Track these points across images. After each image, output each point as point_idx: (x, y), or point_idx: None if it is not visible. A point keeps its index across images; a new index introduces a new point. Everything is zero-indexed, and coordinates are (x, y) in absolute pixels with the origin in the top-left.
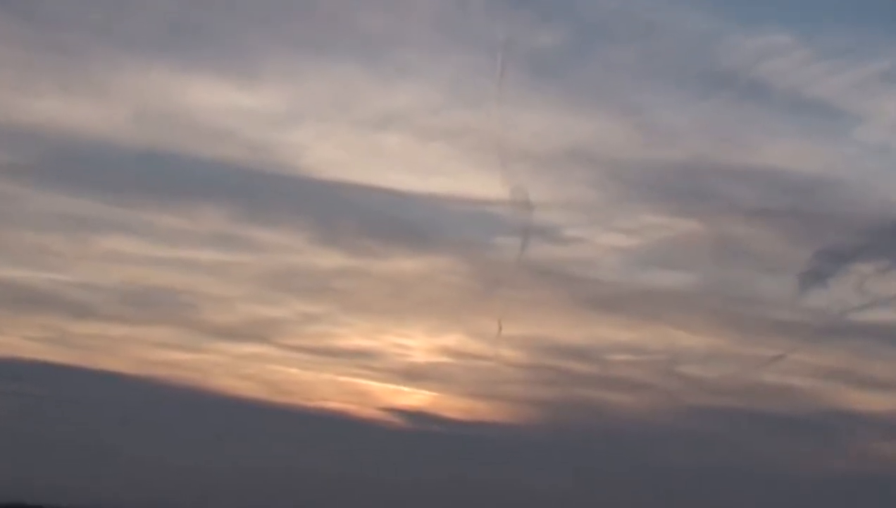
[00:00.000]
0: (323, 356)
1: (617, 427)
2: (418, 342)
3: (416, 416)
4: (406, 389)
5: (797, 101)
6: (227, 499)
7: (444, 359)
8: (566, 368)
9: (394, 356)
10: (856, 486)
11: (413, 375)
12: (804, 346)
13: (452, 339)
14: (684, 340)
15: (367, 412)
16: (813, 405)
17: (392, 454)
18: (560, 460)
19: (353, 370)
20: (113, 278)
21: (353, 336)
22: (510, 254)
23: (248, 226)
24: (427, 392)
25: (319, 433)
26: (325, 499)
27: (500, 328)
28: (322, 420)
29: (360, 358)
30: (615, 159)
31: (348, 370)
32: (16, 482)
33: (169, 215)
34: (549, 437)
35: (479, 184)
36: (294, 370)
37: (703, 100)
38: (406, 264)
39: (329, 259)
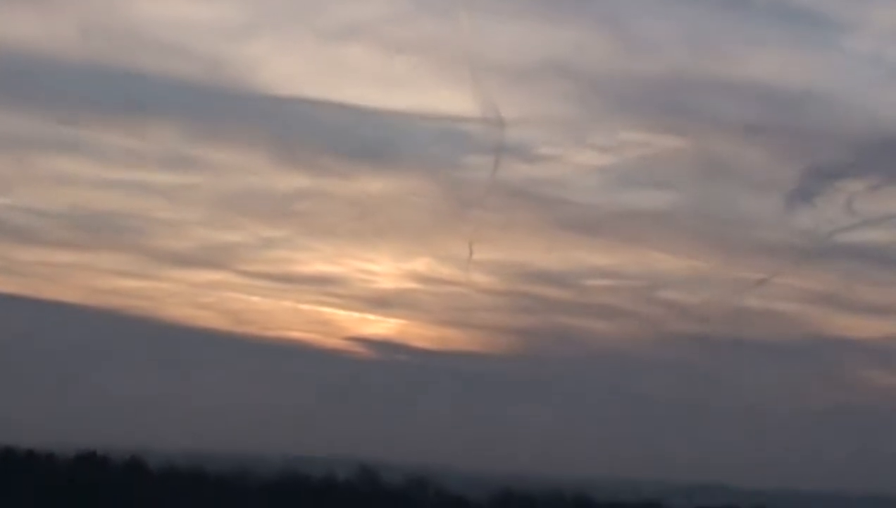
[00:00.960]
0: (284, 283)
1: (594, 356)
2: (385, 268)
3: (383, 345)
4: (372, 317)
5: (783, 9)
6: (184, 433)
7: (412, 285)
8: (541, 294)
9: (359, 283)
10: (846, 417)
11: (379, 302)
12: (791, 269)
13: (421, 264)
14: (664, 263)
15: (331, 341)
16: (800, 331)
17: (357, 385)
18: (535, 390)
19: (315, 298)
20: (59, 202)
21: (316, 262)
22: (481, 174)
23: (203, 146)
24: (394, 321)
25: (281, 364)
26: (286, 432)
27: (472, 253)
28: (283, 351)
29: (324, 285)
30: (592, 73)
31: (311, 297)
32: None
33: (118, 135)
34: (524, 366)
35: (449, 99)
36: (254, 299)
37: (685, 8)
38: (371, 184)
39: (289, 180)
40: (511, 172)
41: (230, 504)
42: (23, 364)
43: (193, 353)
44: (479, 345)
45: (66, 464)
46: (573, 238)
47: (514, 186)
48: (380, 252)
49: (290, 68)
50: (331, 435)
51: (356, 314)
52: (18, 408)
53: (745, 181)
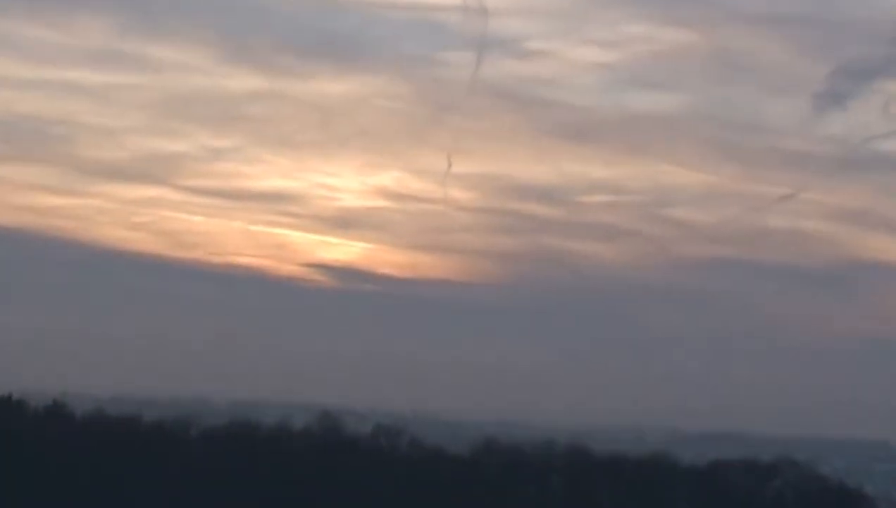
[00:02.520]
0: (232, 201)
1: (590, 284)
2: (348, 182)
3: (346, 272)
4: (334, 240)
5: None
6: (114, 376)
7: (380, 203)
8: (529, 212)
9: (318, 200)
10: (879, 348)
11: (342, 222)
12: (818, 182)
13: (390, 178)
14: (673, 176)
15: (287, 268)
16: (828, 253)
17: (316, 318)
18: (521, 324)
19: (268, 218)
20: None
21: (270, 176)
22: (461, 73)
23: (139, 40)
24: (359, 244)
25: (228, 295)
26: (234, 374)
27: (450, 165)
28: (231, 279)
29: (278, 202)
30: None
31: (263, 217)
32: None
33: (39, 27)
34: (508, 296)
35: None
36: (197, 218)
37: None
38: (333, 86)
39: (239, 81)
40: (496, 71)
41: (167, 455)
42: None
43: (126, 281)
44: (457, 272)
45: None
46: (567, 147)
47: (499, 86)
48: (343, 165)
49: None
50: (286, 377)
51: (315, 237)
52: None
53: (765, 81)
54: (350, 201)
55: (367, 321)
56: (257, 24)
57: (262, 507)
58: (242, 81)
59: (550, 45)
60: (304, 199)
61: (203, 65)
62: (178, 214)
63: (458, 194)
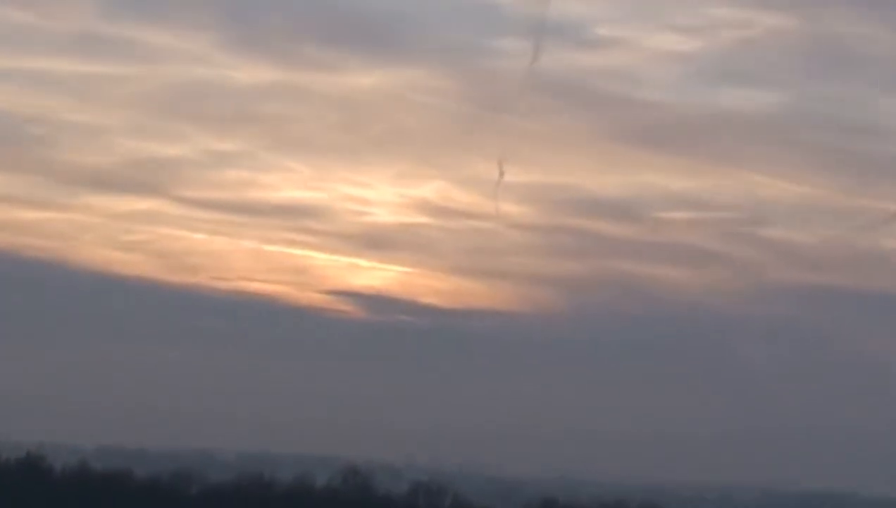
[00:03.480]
0: (242, 215)
1: (670, 316)
2: (381, 194)
3: (379, 301)
4: (364, 262)
5: None
6: (102, 426)
7: (419, 218)
8: (596, 230)
9: (346, 215)
10: None
11: (374, 241)
12: None
13: (431, 189)
14: (768, 189)
15: (308, 295)
16: None
17: (343, 354)
18: (586, 363)
19: (285, 236)
20: None
21: (287, 185)
22: (516, 64)
23: (129, 23)
24: (394, 267)
25: (237, 326)
26: (245, 423)
27: (501, 174)
28: (241, 308)
29: (297, 217)
30: None
31: (279, 234)
32: None
33: (9, 7)
34: (571, 330)
35: None
36: (200, 236)
37: None
38: (363, 79)
39: (250, 72)
40: (557, 62)
41: None
42: None
43: (115, 310)
44: (510, 301)
45: None
46: (641, 153)
47: (560, 80)
48: (376, 173)
49: None
50: (305, 426)
51: (341, 259)
52: None
53: (879, 76)
54: (383, 216)
55: (402, 358)
56: (270, 4)
57: None
58: (253, 73)
59: (622, 31)
60: (328, 213)
61: (206, 53)
62: (177, 230)
63: (511, 208)
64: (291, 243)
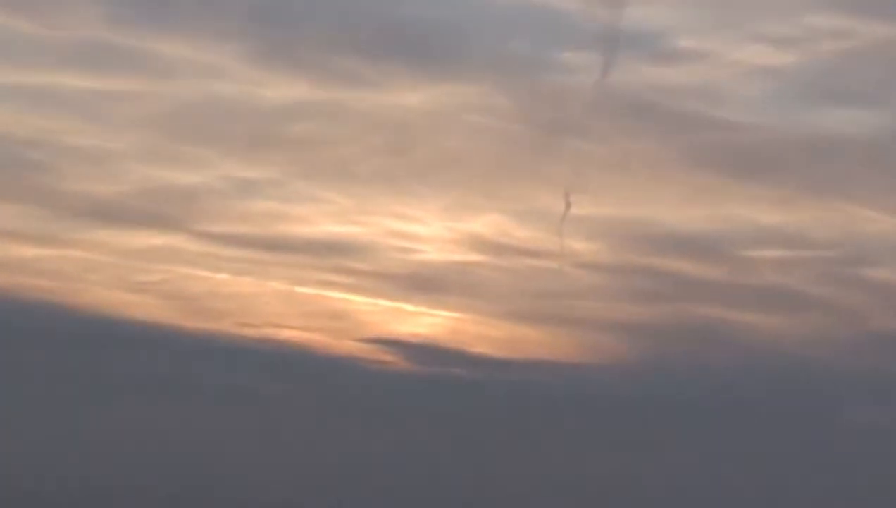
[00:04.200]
0: (270, 253)
1: (760, 368)
2: (430, 229)
3: (426, 350)
4: (409, 307)
5: None
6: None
7: (473, 256)
8: (675, 270)
9: (389, 253)
10: None
11: (420, 283)
12: None
13: (486, 223)
14: (873, 223)
15: (345, 344)
16: None
17: (385, 411)
18: (663, 421)
19: (320, 276)
20: None
21: (321, 219)
22: (584, 80)
23: (142, 32)
24: (443, 313)
25: (265, 379)
26: (273, 485)
27: (568, 205)
28: (270, 359)
29: (333, 255)
30: None
31: (313, 275)
32: None
33: (6, 16)
34: (646, 385)
35: None
36: (222, 277)
37: None
38: (409, 96)
39: (279, 88)
40: (631, 78)
41: None
42: None
43: (126, 361)
44: (577, 351)
45: None
46: (727, 183)
47: (634, 99)
48: (422, 205)
49: None
50: (342, 493)
51: (385, 303)
52: None
53: None
54: (432, 254)
55: (451, 415)
56: (303, 11)
57: None
58: (283, 89)
59: (705, 42)
60: (368, 251)
61: (229, 66)
62: (196, 270)
63: (578, 245)
64: (327, 284)
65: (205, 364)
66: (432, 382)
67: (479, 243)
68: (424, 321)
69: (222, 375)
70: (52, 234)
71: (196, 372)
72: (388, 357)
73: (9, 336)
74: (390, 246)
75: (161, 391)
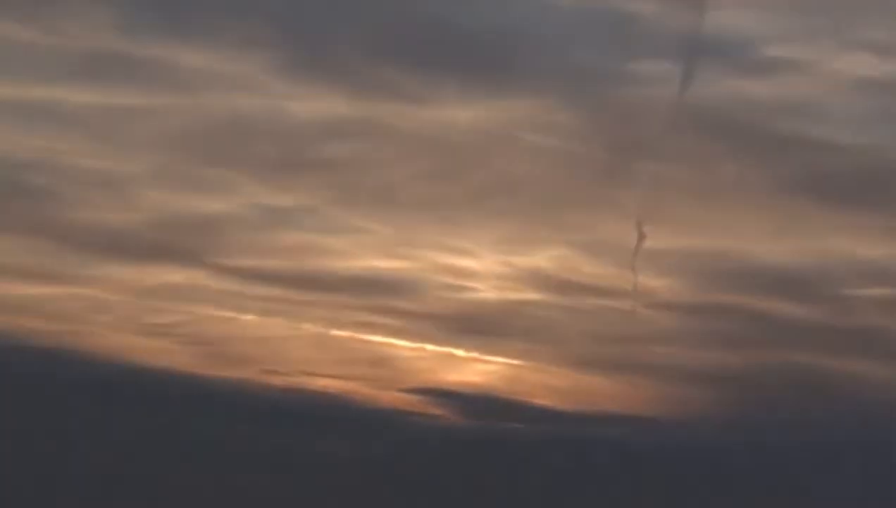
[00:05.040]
0: (304, 291)
1: (865, 420)
2: (484, 264)
3: (481, 402)
4: (460, 352)
5: None
6: None
7: (533, 295)
8: (766, 311)
9: (437, 291)
10: None
11: (474, 325)
12: None
13: (549, 257)
14: None
15: (388, 395)
16: None
17: (434, 470)
18: (754, 484)
19: (359, 317)
20: None
21: (362, 252)
22: (661, 94)
23: (158, 40)
24: (500, 359)
25: (297, 434)
26: None
27: (642, 236)
28: (303, 410)
29: (374, 294)
30: None
31: (351, 316)
32: None
33: (11, 24)
34: (734, 441)
35: None
36: (248, 317)
37: None
38: (462, 113)
39: (313, 104)
40: (713, 91)
41: None
42: None
43: (141, 412)
44: (652, 403)
45: None
46: (825, 211)
47: (719, 116)
48: (476, 236)
49: None
50: None
51: (433, 348)
52: None
53: None
54: (486, 292)
55: (511, 478)
56: (340, 16)
57: None
58: (316, 104)
59: (799, 51)
60: (413, 289)
61: (257, 79)
62: (218, 310)
63: (653, 282)
64: (367, 326)
65: (227, 417)
66: (487, 438)
67: (540, 280)
68: (478, 369)
69: (247, 430)
70: (56, 270)
71: (217, 426)
72: (436, 410)
73: (7, 384)
74: (439, 283)
75: (176, 447)
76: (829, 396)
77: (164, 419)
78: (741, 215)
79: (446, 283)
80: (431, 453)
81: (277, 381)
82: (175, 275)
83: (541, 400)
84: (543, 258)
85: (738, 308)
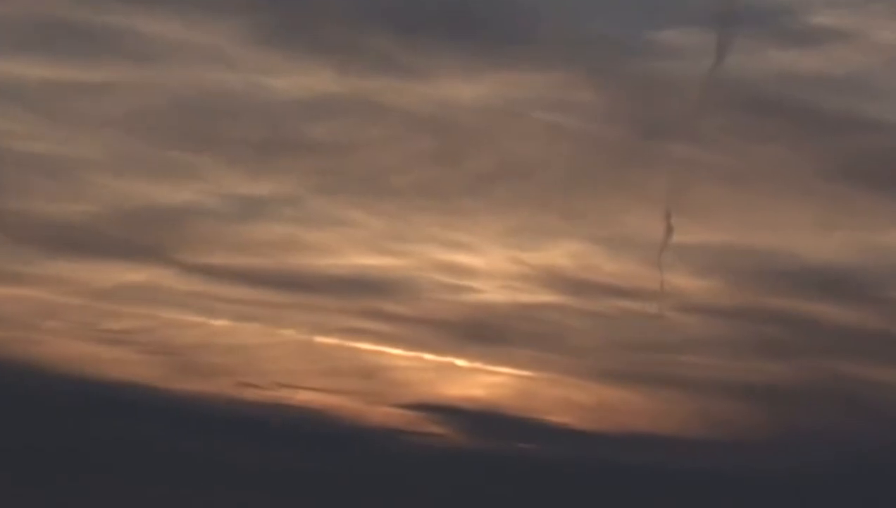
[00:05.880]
0: (283, 292)
1: None
2: (490, 261)
3: (486, 419)
4: (462, 363)
5: None
6: None
7: (546, 297)
8: (812, 316)
9: (437, 291)
10: None
11: (479, 331)
12: None
13: (563, 253)
14: None
15: (381, 410)
16: None
17: (433, 499)
18: None
19: (348, 322)
20: None
21: (350, 247)
22: (693, 67)
23: (114, 7)
24: (507, 370)
25: (277, 455)
26: None
27: (671, 229)
28: (283, 428)
29: (365, 295)
30: None
31: (338, 320)
32: None
33: None
34: (778, 464)
35: None
36: (220, 323)
37: None
38: (465, 89)
39: (294, 79)
40: (752, 65)
41: None
42: None
43: (97, 431)
44: (685, 421)
45: None
46: (878, 201)
47: (757, 93)
48: (481, 228)
49: None
50: None
51: (431, 357)
52: None
53: None
54: (493, 293)
55: (522, 506)
56: None
57: None
58: (299, 79)
59: (847, 19)
60: (409, 290)
61: (229, 49)
62: (186, 314)
63: (684, 282)
64: (356, 332)
65: (197, 437)
66: (494, 461)
67: (555, 279)
68: (483, 382)
69: (220, 450)
70: (0, 268)
71: (185, 447)
72: (435, 428)
73: None
74: (438, 283)
75: (140, 469)
76: (883, 410)
77: (122, 440)
78: (784, 204)
79: (446, 283)
80: (430, 478)
81: (253, 395)
82: (135, 274)
83: (557, 417)
84: (558, 254)
85: (782, 312)
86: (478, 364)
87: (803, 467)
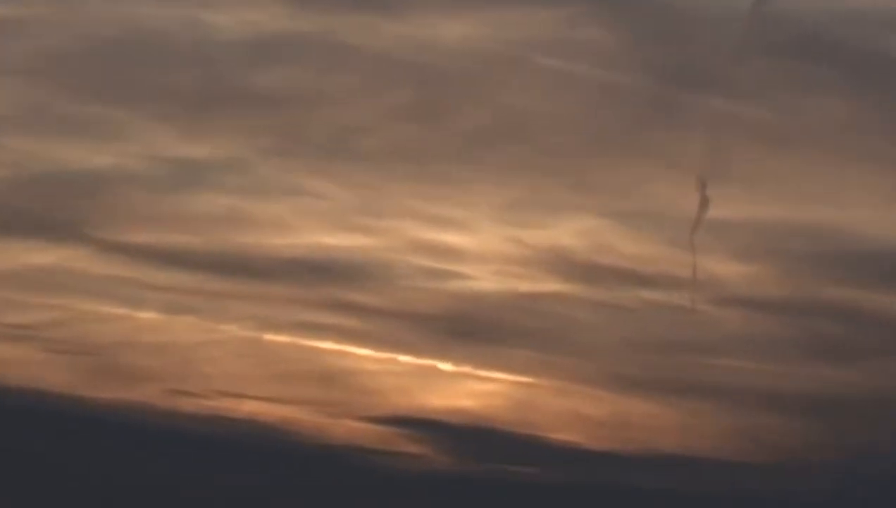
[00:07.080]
0: (228, 278)
1: None
2: (482, 240)
3: (474, 436)
4: (447, 367)
5: None
6: None
7: (551, 285)
8: (880, 308)
9: (416, 278)
10: None
11: (467, 327)
12: None
13: (572, 231)
14: None
15: (346, 425)
16: None
17: None
18: None
19: (307, 316)
20: None
21: (308, 224)
22: (729, 5)
23: None
24: (503, 375)
25: (222, 476)
26: None
27: (705, 202)
28: (226, 445)
29: (326, 283)
30: None
31: (295, 313)
32: None
33: None
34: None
35: None
36: (148, 315)
37: None
38: (450, 28)
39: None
40: (801, 4)
41: None
42: None
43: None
44: (725, 439)
45: None
46: None
47: (805, 35)
48: (469, 200)
49: None
50: None
51: (408, 359)
52: None
53: None
54: (484, 280)
55: None
56: None
57: None
58: (244, 16)
59: None
60: (381, 276)
61: None
62: (105, 305)
63: (721, 267)
64: (314, 329)
65: (119, 456)
66: (485, 486)
67: (561, 264)
68: (472, 390)
69: (147, 472)
70: None
71: (103, 469)
72: (413, 447)
73: None
74: (418, 268)
75: (45, 495)
76: None
77: (28, 457)
78: (843, 171)
79: (428, 267)
80: (406, 505)
81: (188, 405)
82: (42, 255)
83: (562, 435)
84: (566, 233)
85: (842, 305)
86: (466, 369)
87: (869, 495)
